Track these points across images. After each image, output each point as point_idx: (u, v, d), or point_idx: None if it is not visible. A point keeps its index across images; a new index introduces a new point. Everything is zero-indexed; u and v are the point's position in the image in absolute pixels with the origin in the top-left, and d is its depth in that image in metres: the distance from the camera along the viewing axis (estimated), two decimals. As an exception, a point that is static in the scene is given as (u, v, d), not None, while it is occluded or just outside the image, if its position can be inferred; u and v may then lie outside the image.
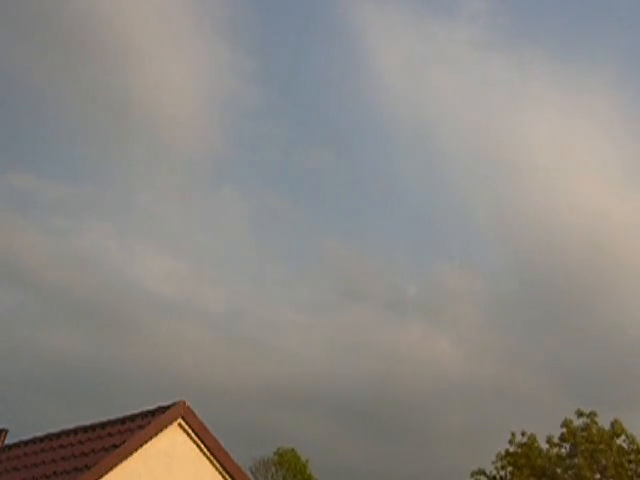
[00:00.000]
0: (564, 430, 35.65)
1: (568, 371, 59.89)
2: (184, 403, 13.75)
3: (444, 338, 75.74)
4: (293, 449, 49.96)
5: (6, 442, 16.37)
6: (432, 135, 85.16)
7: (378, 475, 54.75)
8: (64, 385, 61.49)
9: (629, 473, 34.53)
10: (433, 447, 62.93)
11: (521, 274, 74.09)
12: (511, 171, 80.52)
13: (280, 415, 63.57)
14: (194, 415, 13.78)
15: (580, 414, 35.54)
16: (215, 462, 13.92)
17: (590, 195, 75.40)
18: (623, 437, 35.19)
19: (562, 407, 47.32)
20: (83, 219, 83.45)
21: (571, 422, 35.57)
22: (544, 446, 36.05)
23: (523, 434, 36.29)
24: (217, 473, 13.96)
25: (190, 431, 13.71)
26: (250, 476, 17.65)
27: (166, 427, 13.46)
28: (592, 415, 35.36)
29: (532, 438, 36.13)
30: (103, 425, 14.44)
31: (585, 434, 35.00)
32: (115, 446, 12.98)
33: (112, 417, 14.61)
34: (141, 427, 13.36)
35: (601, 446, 34.67)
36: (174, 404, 13.72)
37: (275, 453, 49.79)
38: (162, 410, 13.67)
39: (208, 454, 13.88)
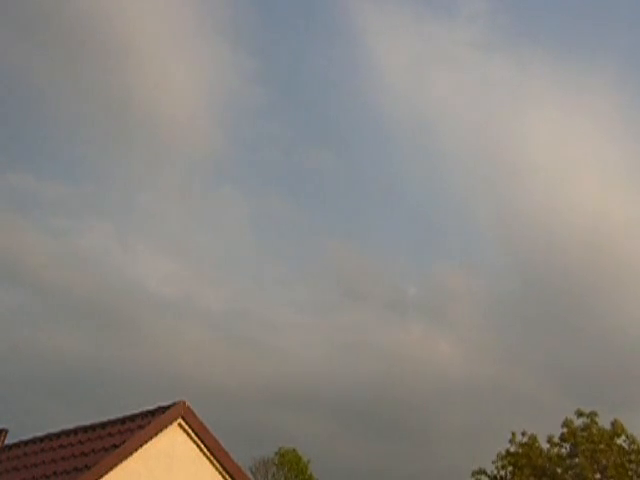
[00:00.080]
0: (564, 430, 35.66)
1: (568, 371, 59.94)
2: (184, 403, 13.74)
3: (444, 338, 75.83)
4: (294, 449, 49.96)
5: (6, 442, 16.36)
6: (432, 135, 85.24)
7: (378, 475, 54.79)
8: (64, 385, 61.54)
9: (629, 473, 34.52)
10: (433, 447, 63.01)
11: (521, 274, 74.17)
12: (511, 171, 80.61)
13: (280, 415, 63.64)
14: (194, 415, 13.77)
15: (580, 414, 35.54)
16: (215, 462, 13.92)
17: (590, 195, 75.45)
18: (623, 437, 35.19)
19: (562, 407, 47.43)
20: (83, 219, 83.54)
21: (572, 422, 35.57)
22: (544, 446, 36.08)
23: (523, 434, 36.32)
24: (217, 473, 13.95)
25: (190, 431, 13.70)
26: (250, 476, 17.65)
27: (166, 427, 13.45)
28: (592, 415, 35.35)
29: (533, 438, 36.14)
30: (103, 425, 14.44)
31: (585, 434, 35.00)
32: (115, 446, 12.97)
33: (112, 417, 14.60)
34: (141, 427, 13.35)
35: (601, 446, 34.67)
36: (174, 404, 13.71)
37: (276, 453, 49.82)
38: (162, 410, 13.66)
39: (208, 454, 13.87)
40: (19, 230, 76.78)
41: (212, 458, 13.89)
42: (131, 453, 12.88)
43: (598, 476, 34.76)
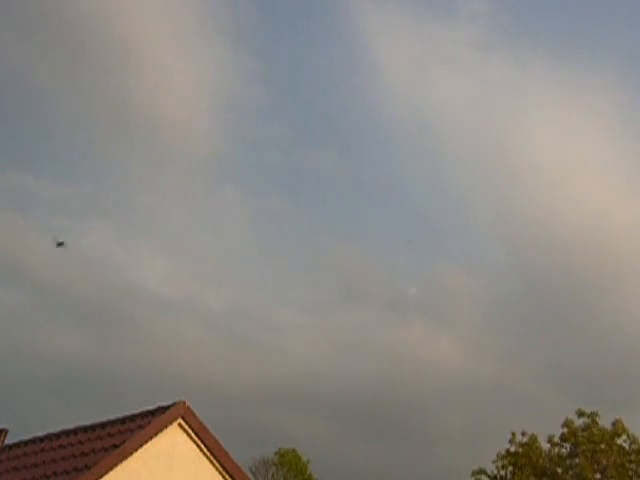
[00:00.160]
0: (565, 430, 35.65)
1: (568, 371, 59.89)
2: (184, 403, 13.74)
3: (444, 338, 75.78)
4: (294, 449, 50.00)
5: (6, 442, 16.36)
6: (432, 135, 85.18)
7: (378, 475, 54.77)
8: (64, 385, 61.49)
9: (630, 473, 34.51)
10: (433, 447, 63.00)
11: (521, 274, 74.08)
12: (511, 171, 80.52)
13: (280, 415, 63.63)
14: (194, 415, 13.77)
15: (581, 414, 35.53)
16: (215, 462, 13.92)
17: (590, 195, 75.39)
18: (624, 437, 35.18)
19: (562, 407, 47.39)
20: (83, 219, 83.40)
21: (572, 422, 35.56)
22: (545, 446, 36.09)
23: (523, 434, 36.31)
24: (217, 473, 13.95)
25: (190, 431, 13.70)
26: (250, 476, 17.65)
27: (166, 427, 13.45)
28: (593, 415, 35.34)
29: (533, 438, 36.13)
30: (103, 425, 14.43)
31: (586, 434, 34.98)
32: (115, 446, 12.97)
33: (112, 417, 14.60)
34: (141, 427, 13.35)
35: (602, 446, 34.66)
36: (174, 404, 13.71)
37: (276, 453, 49.85)
38: (162, 410, 13.66)
39: (208, 454, 13.87)
40: (19, 230, 76.80)
41: (212, 458, 13.89)
42: (131, 453, 12.88)
43: (598, 476, 34.75)
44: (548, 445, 35.99)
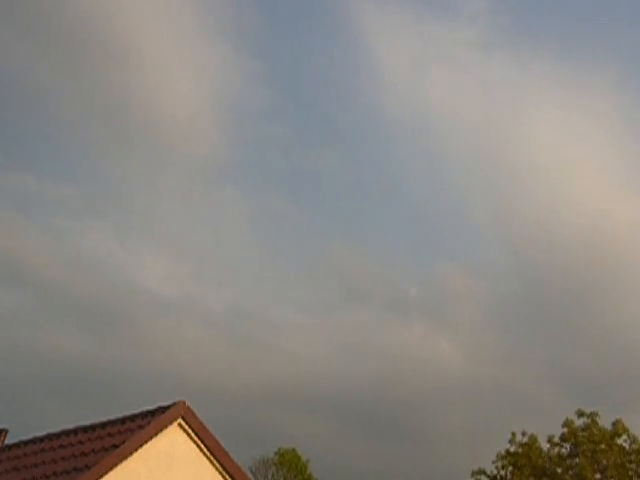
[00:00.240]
0: (565, 430, 35.64)
1: (568, 371, 59.97)
2: (184, 403, 13.73)
3: (445, 338, 75.87)
4: (294, 449, 49.98)
5: (6, 442, 16.36)
6: (432, 135, 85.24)
7: (378, 475, 54.82)
8: (64, 385, 61.57)
9: (630, 473, 34.51)
10: (433, 447, 63.01)
11: (522, 274, 74.20)
12: (511, 171, 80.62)
13: (280, 415, 63.63)
14: (194, 415, 13.76)
15: (581, 414, 35.52)
16: (215, 462, 13.90)
17: (590, 195, 75.47)
18: (624, 437, 35.17)
19: (562, 407, 47.49)
20: (84, 219, 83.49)
21: (572, 422, 35.55)
22: (545, 446, 36.08)
23: (524, 434, 36.32)
24: (217, 473, 13.94)
25: (190, 431, 13.69)
26: (250, 476, 17.65)
27: (166, 427, 13.44)
28: (593, 415, 35.33)
29: (533, 438, 36.13)
30: (103, 425, 14.43)
31: (586, 434, 34.97)
32: (115, 446, 12.96)
33: (112, 417, 14.60)
34: (141, 427, 13.34)
35: (602, 446, 34.66)
36: (174, 404, 13.69)
37: (276, 453, 49.83)
38: (162, 410, 13.65)
39: (208, 454, 13.86)
40: (20, 230, 76.83)
41: (212, 458, 13.88)
42: (131, 453, 12.87)
43: (598, 476, 34.74)
44: (548, 445, 36.04)
